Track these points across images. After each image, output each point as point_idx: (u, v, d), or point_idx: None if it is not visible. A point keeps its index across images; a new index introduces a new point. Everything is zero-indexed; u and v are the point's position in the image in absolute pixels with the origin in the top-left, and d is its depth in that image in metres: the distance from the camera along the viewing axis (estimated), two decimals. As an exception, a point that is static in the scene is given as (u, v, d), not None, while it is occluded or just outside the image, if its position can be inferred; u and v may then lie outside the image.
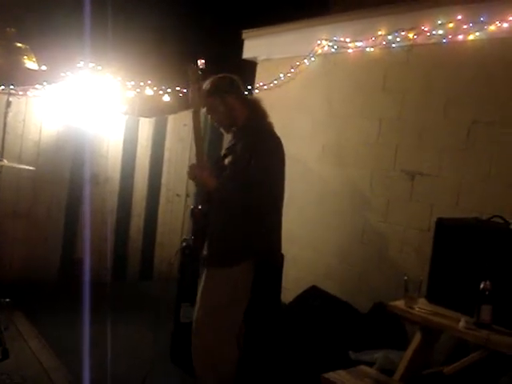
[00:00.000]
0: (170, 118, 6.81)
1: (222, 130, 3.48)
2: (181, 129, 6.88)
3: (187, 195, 7.04)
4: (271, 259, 3.37)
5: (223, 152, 3.34)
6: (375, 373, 3.33)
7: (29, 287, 5.77)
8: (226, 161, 3.28)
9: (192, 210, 3.39)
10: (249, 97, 3.62)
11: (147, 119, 6.68)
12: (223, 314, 3.29)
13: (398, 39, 4.59)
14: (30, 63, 4.72)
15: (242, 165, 3.14)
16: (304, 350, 4.11)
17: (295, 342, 4.17)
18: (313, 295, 4.75)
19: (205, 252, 3.30)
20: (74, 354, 4.22)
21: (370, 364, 3.72)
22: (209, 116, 3.47)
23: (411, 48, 4.57)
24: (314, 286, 4.85)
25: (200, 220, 3.35)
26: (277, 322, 4.24)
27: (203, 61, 3.19)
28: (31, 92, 5.76)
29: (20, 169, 5.51)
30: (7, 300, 4.57)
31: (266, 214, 3.26)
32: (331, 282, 4.94)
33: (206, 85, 3.36)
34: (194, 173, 3.25)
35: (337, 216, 5.06)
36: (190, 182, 6.81)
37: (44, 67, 5.34)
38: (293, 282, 5.00)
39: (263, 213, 3.24)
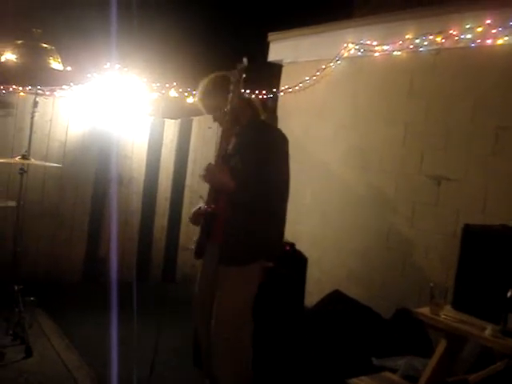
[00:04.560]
0: (195, 120, 6.82)
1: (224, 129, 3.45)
2: (205, 131, 6.89)
3: (211, 197, 7.04)
4: (280, 254, 3.39)
5: (229, 151, 3.30)
6: (399, 379, 3.31)
7: (53, 286, 5.82)
8: (233, 160, 3.25)
9: (205, 210, 3.36)
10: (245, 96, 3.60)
11: (172, 121, 6.71)
12: (246, 312, 3.31)
13: (426, 43, 4.55)
14: (55, 64, 4.76)
15: (250, 163, 3.16)
16: (327, 355, 4.08)
17: (318, 347, 4.15)
18: (336, 300, 4.72)
19: (220, 251, 3.28)
20: (97, 353, 4.25)
21: (393, 371, 3.69)
22: (208, 114, 3.47)
23: (438, 52, 4.53)
24: (336, 290, 4.82)
25: (211, 220, 3.34)
26: (300, 326, 4.23)
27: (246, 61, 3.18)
28: (58, 93, 5.81)
29: (46, 169, 5.57)
30: (31, 298, 4.61)
31: (277, 209, 3.28)
32: (354, 287, 4.90)
33: (208, 83, 3.37)
34: (212, 173, 3.23)
35: (360, 220, 5.03)
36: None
37: (69, 68, 5.38)
38: (315, 285, 4.98)
39: (274, 209, 3.26)
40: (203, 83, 3.40)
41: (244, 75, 3.15)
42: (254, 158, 3.18)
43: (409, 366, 3.80)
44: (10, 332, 4.39)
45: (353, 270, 5.04)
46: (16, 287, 4.41)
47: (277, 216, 3.30)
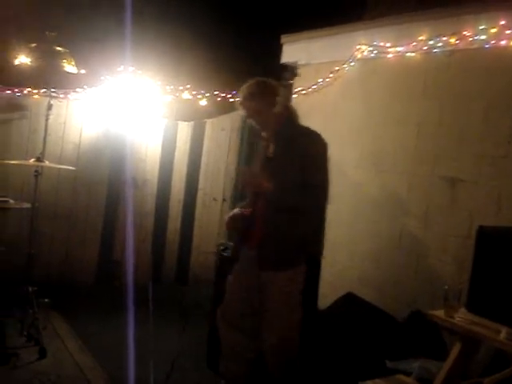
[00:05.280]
0: (208, 123, 6.84)
1: (262, 132, 3.45)
2: (218, 133, 6.91)
3: (224, 200, 7.05)
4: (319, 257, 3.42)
5: (269, 155, 3.28)
6: (413, 382, 3.29)
7: (67, 288, 5.85)
8: (275, 164, 3.25)
9: (242, 214, 3.36)
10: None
11: (185, 123, 6.72)
12: (298, 311, 3.35)
13: (439, 44, 4.53)
14: (69, 67, 4.79)
15: (293, 167, 3.17)
16: (340, 357, 4.07)
17: (331, 350, 4.13)
18: (349, 302, 4.70)
19: (262, 256, 3.29)
20: (111, 355, 4.27)
21: (407, 373, 3.67)
22: (248, 118, 3.46)
23: (452, 53, 4.50)
24: (349, 292, 4.80)
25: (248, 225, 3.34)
26: (313, 328, 4.22)
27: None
28: (72, 95, 5.85)
29: (60, 171, 5.60)
30: (46, 300, 4.64)
31: (320, 212, 3.36)
32: (367, 289, 4.88)
33: (249, 87, 3.37)
34: (253, 178, 3.25)
35: (373, 222, 5.01)
36: (227, 186, 6.93)
37: (83, 71, 5.41)
38: (328, 287, 4.97)
39: (320, 213, 3.35)
40: (249, 86, 3.38)
41: (292, 81, 3.18)
42: (297, 162, 3.20)
43: (423, 369, 3.78)
44: (25, 333, 4.43)
45: (366, 272, 5.02)
46: (30, 289, 4.44)
47: (319, 218, 3.34)
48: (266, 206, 3.27)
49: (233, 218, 3.49)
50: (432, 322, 3.19)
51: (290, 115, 3.32)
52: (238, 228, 3.46)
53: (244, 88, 3.39)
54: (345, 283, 5.04)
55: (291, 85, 3.21)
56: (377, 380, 3.27)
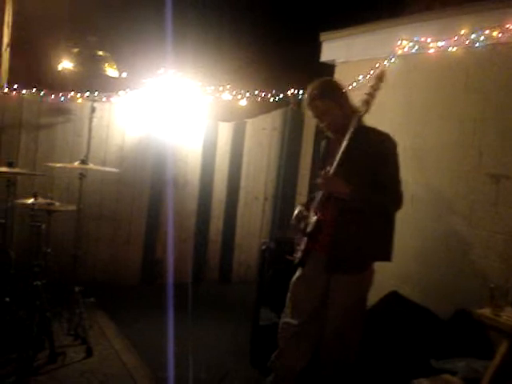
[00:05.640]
0: (249, 122, 6.85)
1: (329, 133, 3.43)
2: (259, 133, 6.92)
3: (266, 198, 7.07)
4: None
5: (340, 156, 3.20)
6: (459, 382, 3.24)
7: (112, 287, 5.95)
8: (348, 166, 3.20)
9: (317, 218, 3.36)
10: None
11: (226, 123, 6.75)
12: (362, 314, 3.40)
13: (482, 38, 4.45)
14: (111, 71, 4.86)
15: (367, 169, 3.18)
16: (385, 357, 4.04)
17: (376, 349, 4.10)
18: (393, 301, 4.66)
19: (331, 259, 3.29)
20: (156, 354, 4.31)
21: (453, 373, 3.62)
22: (316, 119, 3.40)
23: (495, 47, 4.42)
24: (394, 291, 4.76)
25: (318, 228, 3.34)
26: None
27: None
28: (114, 98, 5.93)
29: (104, 173, 5.69)
30: (91, 300, 4.72)
31: (392, 216, 3.33)
32: (411, 287, 4.83)
33: (317, 87, 3.34)
34: (329, 181, 3.22)
35: (417, 221, 4.95)
36: (269, 185, 6.94)
37: (125, 74, 5.49)
38: (372, 286, 4.93)
39: (391, 215, 3.32)
40: (317, 85, 3.36)
41: (381, 83, 3.16)
42: (370, 163, 3.20)
43: (469, 369, 3.72)
44: (72, 332, 4.52)
45: (410, 271, 4.96)
46: (76, 289, 4.53)
47: (390, 220, 3.33)
48: (337, 209, 3.26)
49: (297, 218, 3.51)
50: (478, 321, 3.14)
51: (357, 116, 3.24)
52: (302, 228, 3.47)
53: (312, 87, 3.35)
54: (389, 282, 5.00)
55: (377, 87, 3.16)
56: (422, 379, 3.24)
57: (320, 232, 3.33)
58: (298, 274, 3.53)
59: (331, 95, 3.31)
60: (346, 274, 3.27)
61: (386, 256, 3.34)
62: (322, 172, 3.25)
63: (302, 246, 3.44)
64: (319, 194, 3.36)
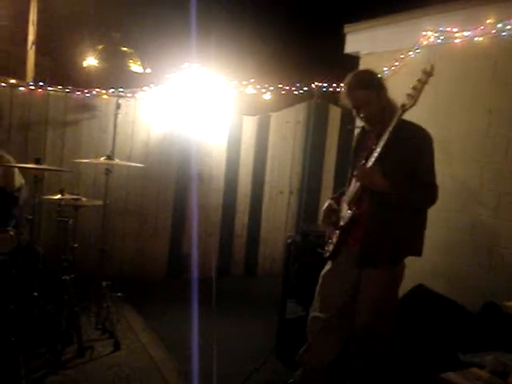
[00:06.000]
0: (273, 116, 6.84)
1: (366, 125, 3.38)
2: (284, 126, 6.91)
3: (291, 192, 7.06)
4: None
5: (380, 150, 3.13)
6: (487, 375, 3.21)
7: (138, 281, 5.99)
8: (386, 160, 3.15)
9: (352, 213, 3.35)
10: None
11: (251, 117, 6.75)
12: (395, 308, 3.40)
13: (508, 27, 4.38)
14: (135, 66, 4.89)
15: (404, 164, 3.15)
16: (412, 350, 4.01)
17: (403, 343, 4.08)
18: (420, 294, 4.63)
19: (365, 253, 3.27)
20: (183, 347, 4.33)
21: (481, 367, 3.58)
22: (354, 110, 3.32)
23: (522, 36, 4.35)
24: (420, 284, 4.72)
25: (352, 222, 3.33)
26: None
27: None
28: (139, 94, 5.96)
29: (130, 168, 5.73)
30: (118, 294, 4.75)
31: (425, 211, 3.33)
32: (438, 280, 4.79)
33: (357, 76, 3.31)
34: (368, 174, 3.17)
35: (443, 212, 4.89)
36: (294, 178, 6.94)
37: (149, 70, 5.51)
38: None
39: (424, 211, 3.32)
40: (357, 75, 3.35)
41: (429, 77, 3.13)
42: (408, 158, 3.18)
43: (497, 362, 3.68)
44: (99, 327, 4.56)
45: (436, 263, 4.92)
46: (104, 283, 4.57)
47: (423, 215, 3.32)
48: (372, 203, 3.24)
49: (327, 211, 3.50)
50: (507, 314, 3.10)
51: (402, 109, 3.16)
52: (333, 221, 3.46)
53: (351, 77, 3.31)
54: (415, 275, 4.95)
55: (426, 82, 3.12)
56: (450, 373, 3.20)
57: (354, 226, 3.32)
58: (328, 267, 3.51)
59: (371, 86, 3.27)
60: (377, 269, 3.25)
61: (418, 251, 3.32)
62: (360, 164, 3.21)
63: (334, 240, 3.42)
64: (354, 188, 3.33)
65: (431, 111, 5.04)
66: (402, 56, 5.30)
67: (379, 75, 3.41)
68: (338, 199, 3.53)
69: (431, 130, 5.04)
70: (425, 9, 5.20)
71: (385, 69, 5.46)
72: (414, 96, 3.09)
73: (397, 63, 5.36)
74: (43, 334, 4.09)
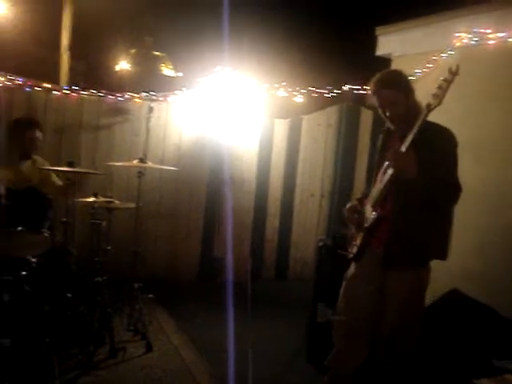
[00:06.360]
0: (305, 119, 6.83)
1: (391, 125, 3.34)
2: (315, 129, 6.89)
3: (322, 195, 7.04)
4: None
5: (401, 149, 3.11)
6: (522, 382, 3.15)
7: (171, 284, 6.02)
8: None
9: (377, 214, 3.33)
10: None
11: (282, 120, 6.74)
12: (419, 315, 3.36)
13: (544, 27, 4.32)
14: (167, 70, 4.93)
15: (433, 163, 3.09)
16: (444, 356, 3.96)
17: (435, 348, 4.03)
18: (453, 299, 4.57)
19: (390, 254, 3.24)
20: (214, 350, 4.34)
21: (516, 373, 3.52)
22: (380, 109, 3.31)
23: (558, 36, 4.28)
24: (454, 289, 4.66)
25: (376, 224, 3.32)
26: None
27: None
28: (171, 98, 6.01)
29: (162, 171, 5.77)
30: (150, 296, 4.79)
31: (450, 213, 3.31)
32: (471, 285, 4.72)
33: (386, 76, 3.31)
34: (402, 159, 3.10)
35: (475, 216, 4.83)
36: (325, 182, 6.91)
37: (181, 73, 5.55)
38: (430, 283, 4.84)
39: (449, 212, 3.30)
40: (385, 74, 3.34)
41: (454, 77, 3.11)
42: (434, 159, 3.12)
43: (533, 369, 3.62)
44: (131, 328, 4.60)
45: (469, 267, 4.85)
46: (136, 285, 4.60)
47: (448, 218, 3.30)
48: (397, 204, 3.22)
49: (350, 210, 3.49)
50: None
51: (427, 109, 3.12)
52: (355, 221, 3.44)
53: (379, 77, 3.30)
54: (446, 279, 4.90)
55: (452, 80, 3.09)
56: (483, 379, 3.15)
57: (378, 227, 3.29)
58: (352, 269, 3.49)
59: (399, 85, 3.26)
60: (402, 271, 3.22)
61: (443, 254, 3.28)
62: (393, 149, 3.17)
63: (358, 241, 3.40)
64: (378, 189, 3.31)
65: (464, 112, 4.99)
66: (434, 58, 5.26)
67: (408, 76, 3.38)
68: (361, 200, 3.51)
69: (463, 130, 4.99)
70: (456, 11, 5.15)
71: (417, 71, 5.42)
72: (440, 95, 3.06)
73: (430, 65, 5.32)
74: (76, 334, 4.13)
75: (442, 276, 5.02)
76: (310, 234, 7.00)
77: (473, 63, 4.97)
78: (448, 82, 3.07)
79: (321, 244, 4.46)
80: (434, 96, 3.06)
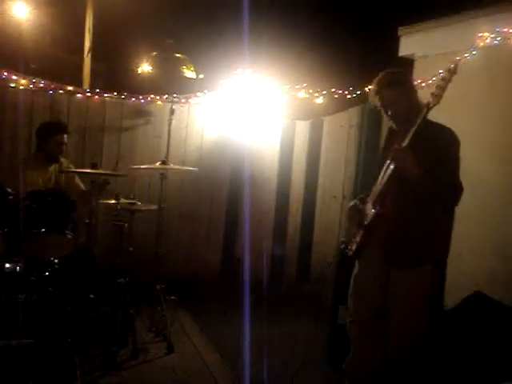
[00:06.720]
0: (326, 120, 6.81)
1: (393, 124, 3.35)
2: (337, 130, 6.86)
3: (343, 197, 7.00)
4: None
5: (412, 133, 3.10)
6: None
7: (192, 285, 6.03)
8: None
9: (375, 212, 3.32)
10: None
11: (303, 122, 6.74)
12: (426, 313, 3.31)
13: None
14: (188, 73, 4.96)
15: (432, 163, 3.09)
16: (468, 360, 3.93)
17: (459, 352, 4.00)
18: (477, 302, 4.53)
19: (391, 252, 3.26)
20: (235, 350, 4.35)
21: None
22: (382, 109, 3.32)
23: None
24: (478, 291, 4.62)
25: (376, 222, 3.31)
26: (439, 328, 4.10)
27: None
28: (192, 100, 6.03)
29: (184, 172, 5.79)
30: (172, 297, 4.82)
31: (451, 213, 3.31)
32: (494, 287, 4.67)
33: (387, 75, 3.30)
34: (403, 154, 3.10)
35: (500, 217, 4.78)
36: (347, 183, 6.88)
37: (202, 76, 5.57)
38: (450, 285, 4.81)
39: (449, 212, 3.30)
40: (387, 74, 3.33)
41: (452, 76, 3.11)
42: (434, 158, 3.12)
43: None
44: (153, 329, 4.63)
45: (494, 269, 4.81)
46: (158, 286, 4.64)
47: (448, 217, 3.31)
48: (397, 202, 3.23)
49: (353, 210, 3.50)
50: None
51: (427, 108, 3.13)
52: (358, 221, 3.44)
53: (380, 76, 3.31)
54: (471, 281, 4.86)
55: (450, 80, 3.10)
56: (508, 383, 3.13)
57: (377, 225, 3.29)
58: (356, 269, 3.51)
59: (400, 85, 3.26)
60: (403, 268, 3.23)
61: (443, 252, 3.27)
62: (395, 145, 3.18)
63: (358, 239, 3.41)
64: (379, 186, 3.31)
65: (490, 114, 4.96)
66: (458, 58, 5.21)
67: (410, 75, 3.37)
68: (364, 199, 3.51)
69: (487, 132, 4.96)
70: (481, 10, 5.11)
71: (440, 71, 5.38)
72: (438, 94, 3.05)
73: (452, 65, 5.27)
74: (98, 335, 4.18)
75: (465, 277, 4.99)
76: (332, 236, 6.97)
77: (499, 63, 4.93)
78: (446, 81, 3.08)
79: (342, 245, 4.45)
80: (433, 95, 3.07)
